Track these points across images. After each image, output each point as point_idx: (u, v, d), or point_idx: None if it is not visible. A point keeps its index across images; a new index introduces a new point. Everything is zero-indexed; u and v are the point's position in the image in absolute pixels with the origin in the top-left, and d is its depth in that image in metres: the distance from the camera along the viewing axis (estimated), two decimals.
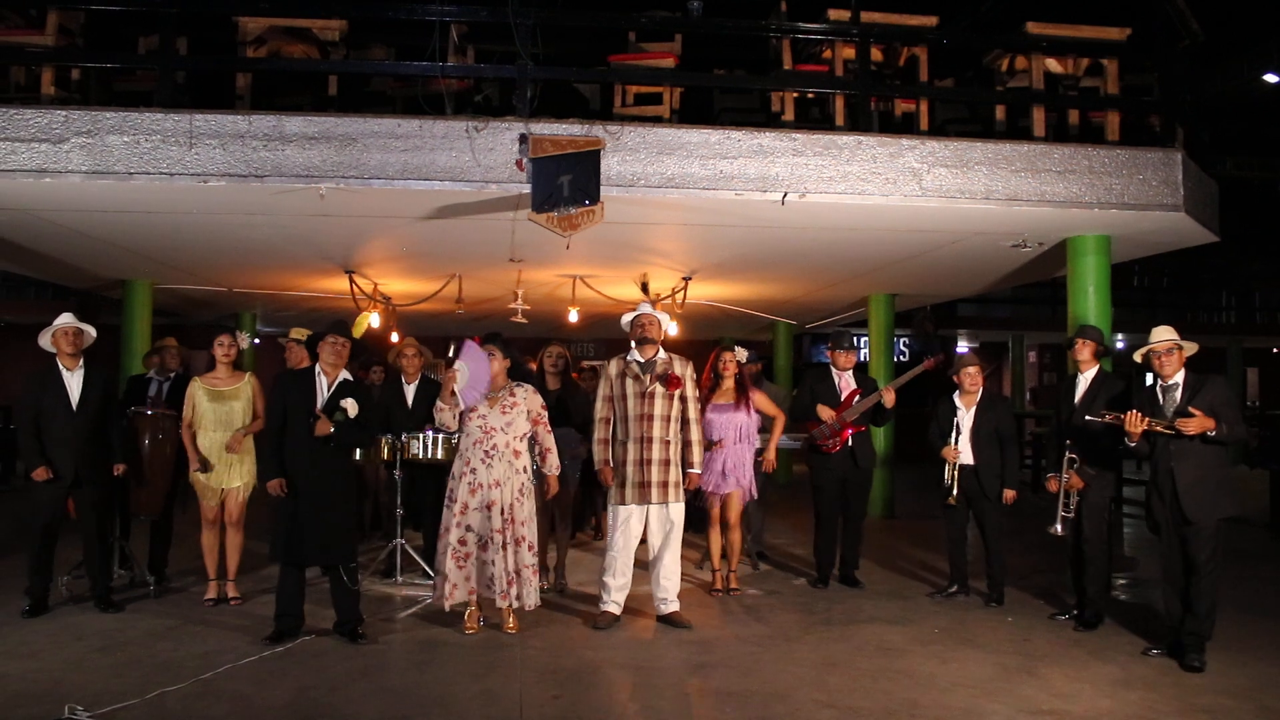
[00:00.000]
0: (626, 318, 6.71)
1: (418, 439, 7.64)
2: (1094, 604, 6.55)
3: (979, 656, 5.88)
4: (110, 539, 6.99)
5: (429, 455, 7.67)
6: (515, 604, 6.11)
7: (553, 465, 6.33)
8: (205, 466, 6.77)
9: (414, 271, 10.37)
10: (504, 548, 6.03)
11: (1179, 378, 5.82)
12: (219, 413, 6.79)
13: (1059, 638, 6.31)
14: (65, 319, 6.66)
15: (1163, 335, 5.86)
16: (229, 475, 6.83)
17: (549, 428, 6.36)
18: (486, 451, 6.09)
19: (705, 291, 11.63)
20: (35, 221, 7.69)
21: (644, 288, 7.13)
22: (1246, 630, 6.46)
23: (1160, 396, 5.84)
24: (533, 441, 6.32)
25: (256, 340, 15.45)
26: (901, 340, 20.16)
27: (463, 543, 6.07)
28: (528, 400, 6.27)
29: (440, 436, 7.71)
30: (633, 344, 6.60)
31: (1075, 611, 6.68)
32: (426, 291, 11.17)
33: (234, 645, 5.89)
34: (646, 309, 6.63)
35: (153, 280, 10.80)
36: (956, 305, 17.96)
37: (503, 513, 6.06)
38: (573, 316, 11.79)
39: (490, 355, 6.15)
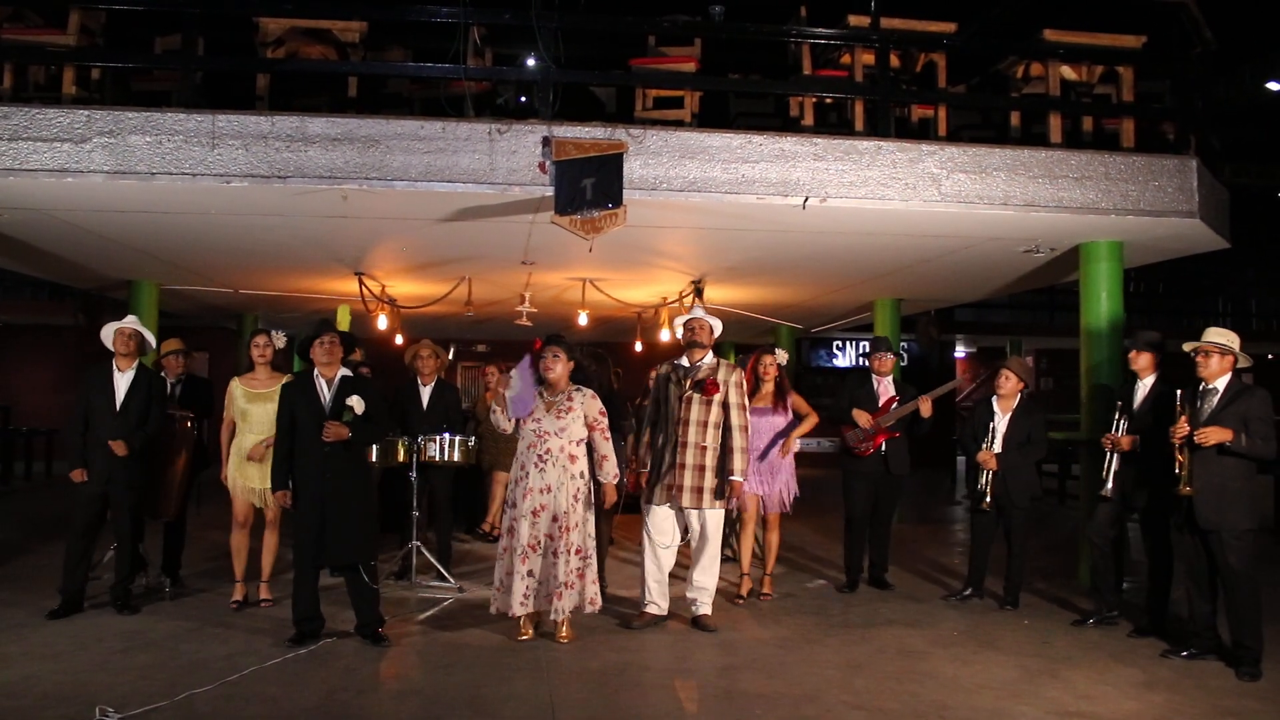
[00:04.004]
0: (678, 320, 6.74)
1: (434, 441, 7.66)
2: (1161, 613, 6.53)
3: (1001, 659, 5.91)
4: (138, 540, 6.97)
5: (445, 457, 7.70)
6: (560, 615, 6.00)
7: (609, 472, 6.21)
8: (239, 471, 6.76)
9: (423, 274, 10.37)
10: (554, 555, 5.95)
11: (1220, 383, 5.74)
12: (258, 414, 6.75)
13: (1078, 640, 6.34)
14: (128, 320, 6.79)
15: (1208, 336, 5.79)
16: (266, 476, 6.76)
17: (607, 434, 6.22)
18: (540, 456, 6.00)
19: (713, 295, 11.62)
20: (50, 221, 7.66)
21: (698, 291, 7.19)
22: (1267, 634, 6.48)
23: (1199, 399, 5.79)
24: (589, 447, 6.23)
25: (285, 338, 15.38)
26: (901, 344, 20.25)
27: (513, 551, 5.98)
28: (585, 405, 6.13)
29: (457, 439, 7.74)
30: (683, 349, 6.64)
31: (1100, 615, 6.72)
32: (435, 294, 11.16)
33: (256, 647, 5.88)
34: (699, 313, 6.64)
35: (159, 281, 10.76)
36: (954, 310, 18.02)
37: (555, 519, 5.98)
38: (582, 320, 11.80)
39: (555, 358, 6.07)
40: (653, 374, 6.73)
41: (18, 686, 5.12)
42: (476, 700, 5.05)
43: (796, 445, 7.40)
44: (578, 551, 6.03)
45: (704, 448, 6.42)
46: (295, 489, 5.91)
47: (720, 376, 6.48)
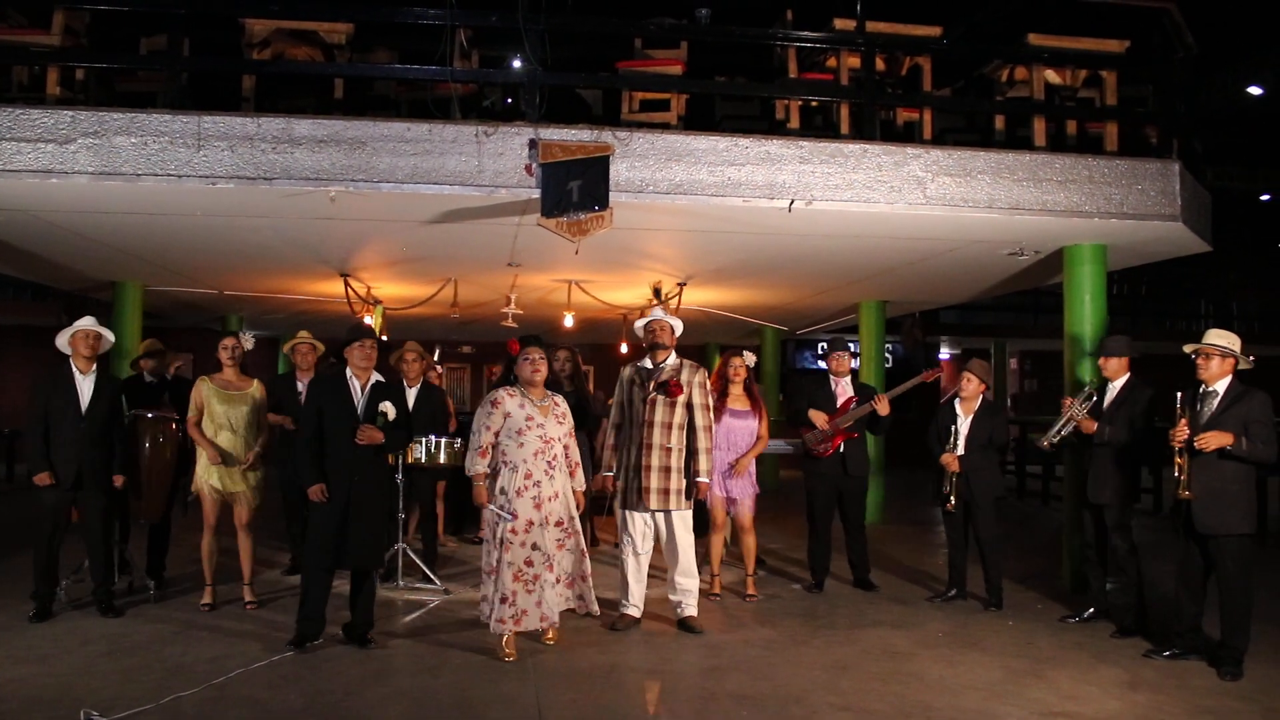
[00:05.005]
0: (639, 323, 6.70)
1: (419, 443, 7.65)
2: (1123, 608, 6.61)
3: (985, 660, 5.94)
4: (113, 543, 6.93)
5: (430, 459, 7.69)
6: (577, 604, 5.98)
7: (580, 481, 6.14)
8: (227, 460, 6.70)
9: (409, 275, 10.35)
10: (567, 559, 5.91)
11: (1220, 386, 5.72)
12: (231, 414, 6.76)
13: (1061, 641, 6.39)
14: (86, 322, 6.65)
15: (1209, 338, 5.78)
16: (238, 479, 6.78)
17: (575, 441, 6.20)
18: (549, 462, 5.84)
19: (698, 297, 11.66)
20: (34, 222, 7.61)
21: (656, 293, 7.20)
22: (1252, 634, 6.53)
23: (1199, 402, 5.79)
24: None
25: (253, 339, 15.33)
26: (886, 346, 20.33)
27: (529, 563, 5.73)
28: (567, 410, 6.12)
29: (443, 441, 7.73)
30: (646, 351, 6.62)
31: (1089, 612, 6.83)
32: (421, 295, 11.15)
33: (242, 650, 5.87)
34: (659, 314, 6.65)
35: (144, 282, 10.71)
36: (939, 312, 18.10)
37: (560, 523, 5.88)
38: (568, 321, 11.79)
39: (542, 359, 5.95)
40: (619, 377, 6.70)
41: (3, 690, 5.12)
42: (464, 702, 5.06)
43: (751, 466, 7.42)
44: (579, 552, 5.98)
45: (669, 449, 6.42)
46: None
47: (684, 377, 6.47)
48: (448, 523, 9.61)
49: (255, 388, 6.93)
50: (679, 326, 6.67)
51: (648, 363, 6.58)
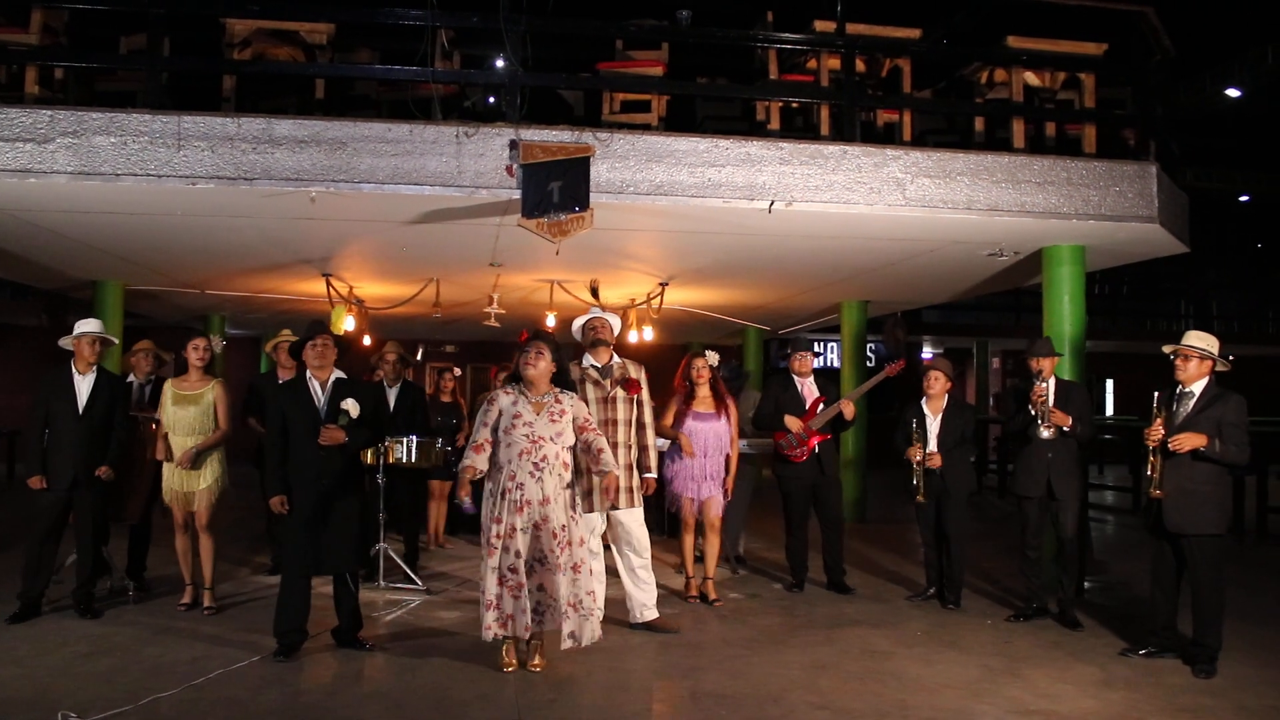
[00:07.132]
0: (578, 322, 6.59)
1: (400, 444, 7.65)
2: (1073, 603, 6.72)
3: (963, 659, 5.98)
4: (102, 544, 6.92)
5: (411, 460, 7.69)
6: (570, 642, 5.43)
7: (609, 463, 5.64)
8: (169, 455, 6.67)
9: (391, 275, 10.35)
10: (559, 573, 5.41)
11: (1197, 387, 5.75)
12: (178, 416, 6.70)
13: (1039, 640, 6.43)
14: (91, 325, 6.68)
15: (1188, 339, 5.82)
16: (192, 479, 6.70)
17: (598, 430, 5.77)
18: (535, 464, 5.41)
19: (680, 297, 11.70)
20: (12, 221, 7.58)
21: (594, 292, 7.20)
22: (1225, 630, 6.58)
23: (1175, 402, 5.82)
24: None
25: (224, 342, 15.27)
26: (868, 346, 20.38)
27: (513, 570, 5.35)
28: (574, 407, 5.65)
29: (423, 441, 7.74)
30: (586, 349, 6.54)
31: (1026, 610, 6.95)
32: (403, 295, 11.15)
33: (222, 651, 5.85)
34: (598, 312, 6.58)
35: (124, 281, 10.67)
36: (921, 312, 18.17)
37: (555, 534, 5.42)
38: (550, 321, 11.80)
39: (539, 354, 5.57)
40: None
41: None
42: (444, 702, 5.07)
43: (722, 471, 7.37)
44: (575, 568, 5.52)
45: (629, 446, 6.42)
46: (289, 495, 5.73)
47: (632, 373, 6.47)
48: (447, 522, 9.62)
49: (210, 389, 6.79)
50: (618, 324, 6.66)
51: (594, 361, 6.47)
